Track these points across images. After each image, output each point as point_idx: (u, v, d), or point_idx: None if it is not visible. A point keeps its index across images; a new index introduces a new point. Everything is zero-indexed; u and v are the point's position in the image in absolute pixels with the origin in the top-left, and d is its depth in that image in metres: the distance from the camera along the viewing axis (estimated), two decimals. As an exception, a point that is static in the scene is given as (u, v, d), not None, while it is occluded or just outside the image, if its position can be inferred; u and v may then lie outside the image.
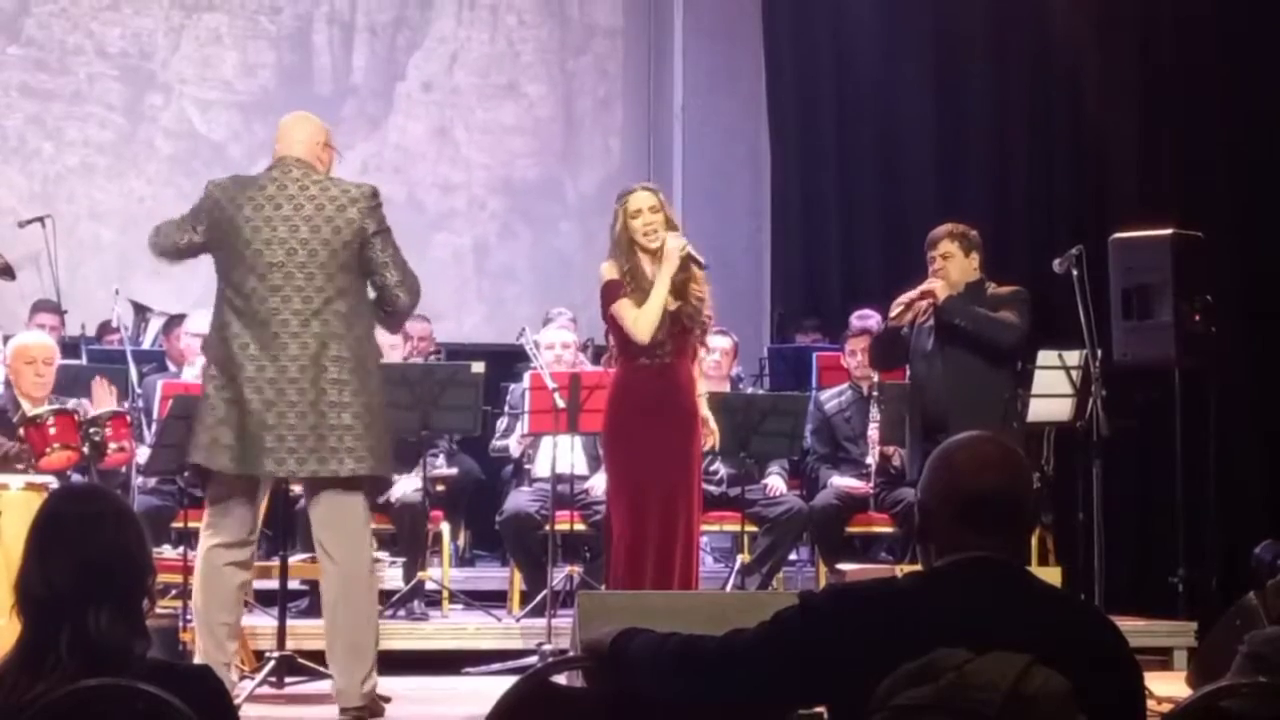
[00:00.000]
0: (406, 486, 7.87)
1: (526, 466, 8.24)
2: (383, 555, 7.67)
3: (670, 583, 6.25)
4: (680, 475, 6.38)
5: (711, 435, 6.63)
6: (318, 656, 6.14)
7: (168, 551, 7.38)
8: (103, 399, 7.05)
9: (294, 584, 7.21)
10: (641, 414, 6.37)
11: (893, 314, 7.04)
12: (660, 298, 6.28)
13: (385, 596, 7.46)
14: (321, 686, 6.18)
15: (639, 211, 6.35)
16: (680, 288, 6.34)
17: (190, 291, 8.94)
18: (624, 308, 6.30)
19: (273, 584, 6.73)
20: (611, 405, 6.52)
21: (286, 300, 5.59)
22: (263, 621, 6.93)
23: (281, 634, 6.38)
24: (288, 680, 6.25)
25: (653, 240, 6.32)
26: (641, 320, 6.28)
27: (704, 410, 6.57)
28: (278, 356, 5.56)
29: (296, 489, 6.42)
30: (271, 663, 6.23)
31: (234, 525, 5.70)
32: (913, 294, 6.99)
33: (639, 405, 6.39)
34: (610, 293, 6.35)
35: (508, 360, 9.12)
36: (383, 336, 8.20)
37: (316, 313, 5.59)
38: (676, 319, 6.34)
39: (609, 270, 6.39)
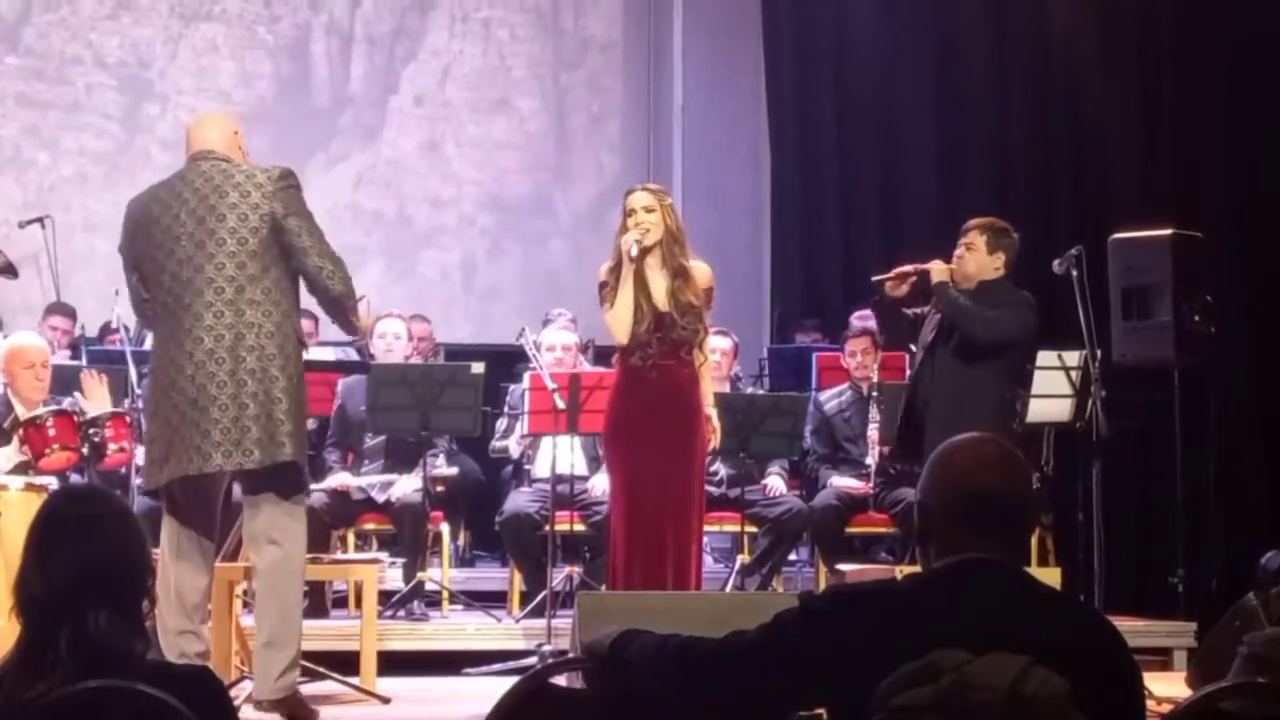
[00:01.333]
0: (407, 486, 7.88)
1: (526, 467, 8.24)
2: (382, 556, 7.69)
3: (663, 583, 6.23)
4: (673, 475, 6.34)
5: (714, 434, 6.60)
6: (316, 657, 6.15)
7: (167, 552, 7.37)
8: (93, 390, 7.05)
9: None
10: (635, 413, 6.38)
11: (883, 277, 7.03)
12: (626, 298, 6.31)
13: (385, 597, 7.48)
14: (321, 687, 6.20)
15: (632, 211, 6.38)
16: (671, 292, 6.34)
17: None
18: (606, 309, 6.40)
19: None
20: (609, 404, 6.56)
21: (199, 293, 5.48)
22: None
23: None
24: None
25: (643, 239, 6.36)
26: (612, 320, 6.37)
27: (709, 409, 6.53)
28: (193, 353, 5.46)
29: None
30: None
31: (186, 530, 5.60)
32: (909, 268, 6.99)
33: (632, 405, 6.40)
34: (599, 293, 6.45)
35: (507, 361, 9.12)
36: (386, 327, 8.25)
37: (230, 303, 5.47)
38: (663, 322, 6.33)
39: (602, 271, 6.45)
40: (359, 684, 6.32)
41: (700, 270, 6.45)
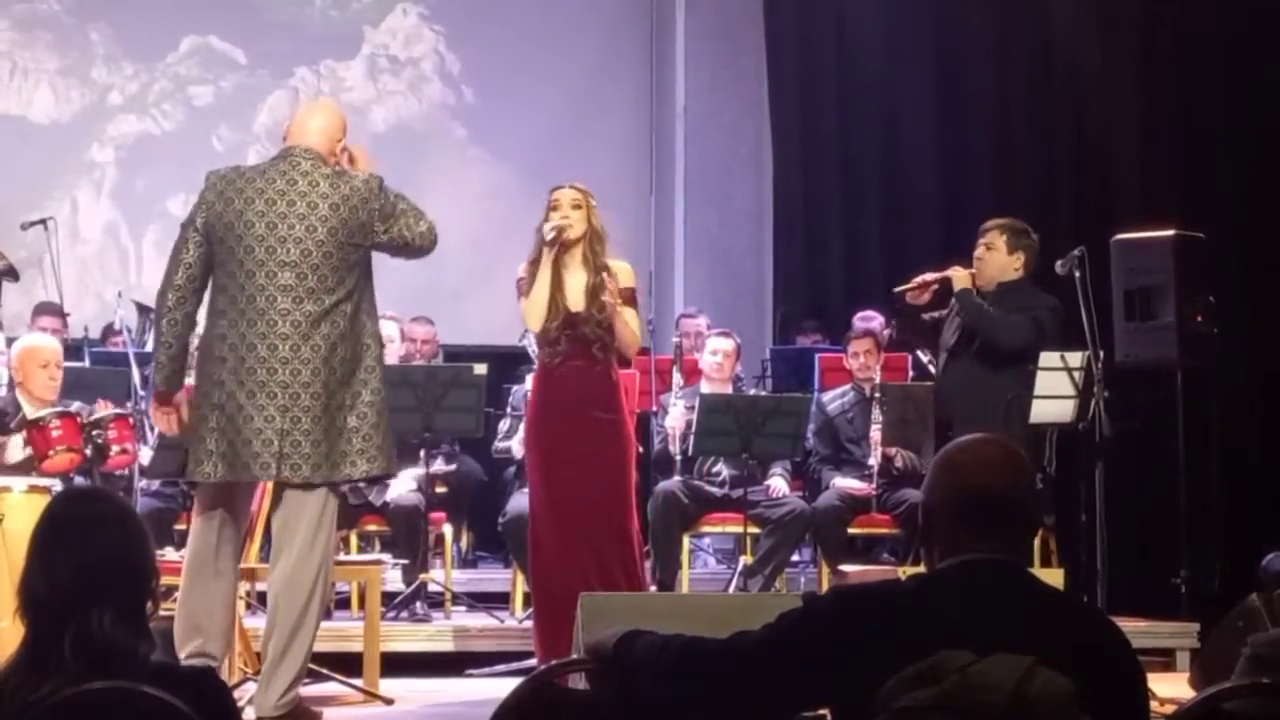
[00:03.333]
0: (401, 488, 7.86)
1: (529, 468, 8.24)
2: (384, 557, 7.68)
3: (589, 588, 6.01)
4: (589, 478, 6.24)
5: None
6: (319, 658, 6.13)
7: (170, 554, 7.37)
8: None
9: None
10: (545, 415, 6.38)
11: (904, 288, 7.02)
12: (541, 285, 6.27)
13: (388, 598, 7.48)
14: (324, 688, 6.20)
15: (557, 205, 6.37)
16: (592, 290, 6.30)
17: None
18: (522, 300, 6.38)
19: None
20: (528, 405, 6.57)
21: (299, 301, 5.34)
22: (264, 623, 6.92)
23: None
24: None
25: (565, 231, 6.32)
26: (525, 308, 6.35)
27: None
28: (289, 359, 5.32)
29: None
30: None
31: (229, 531, 5.49)
32: (932, 275, 6.98)
33: (543, 405, 6.40)
34: (516, 288, 6.44)
35: (510, 362, 9.13)
36: (384, 328, 8.26)
37: (327, 313, 5.36)
38: (575, 320, 6.29)
39: (521, 268, 6.45)
40: (362, 685, 6.32)
41: (622, 269, 6.44)
